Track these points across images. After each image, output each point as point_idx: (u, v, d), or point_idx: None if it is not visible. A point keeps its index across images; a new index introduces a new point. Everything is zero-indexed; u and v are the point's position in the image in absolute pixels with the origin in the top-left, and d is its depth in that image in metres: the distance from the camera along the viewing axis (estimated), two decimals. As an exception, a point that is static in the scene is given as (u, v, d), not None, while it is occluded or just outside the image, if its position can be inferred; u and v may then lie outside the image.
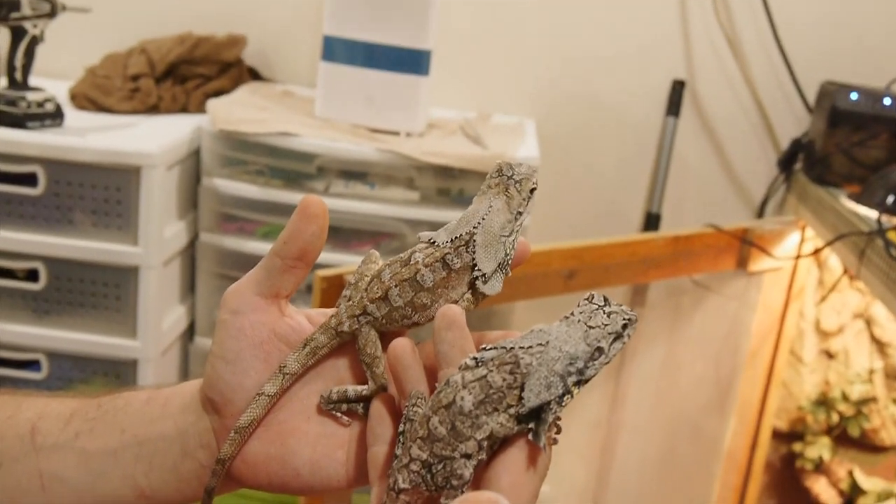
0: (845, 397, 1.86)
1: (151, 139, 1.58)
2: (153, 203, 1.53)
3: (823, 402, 1.90)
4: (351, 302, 0.57)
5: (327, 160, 1.62)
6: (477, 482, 0.49)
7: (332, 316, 0.57)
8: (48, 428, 0.59)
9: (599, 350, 0.49)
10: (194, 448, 0.58)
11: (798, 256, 1.78)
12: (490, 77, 1.97)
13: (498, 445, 0.49)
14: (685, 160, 1.97)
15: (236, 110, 1.66)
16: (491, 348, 0.50)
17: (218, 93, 1.82)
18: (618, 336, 0.50)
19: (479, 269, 0.55)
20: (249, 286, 0.56)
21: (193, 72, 1.83)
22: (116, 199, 1.53)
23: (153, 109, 1.77)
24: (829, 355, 1.93)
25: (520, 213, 0.56)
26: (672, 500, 2.02)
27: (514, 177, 0.57)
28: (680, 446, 1.97)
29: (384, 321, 0.56)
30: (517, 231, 0.57)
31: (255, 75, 1.95)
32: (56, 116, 1.58)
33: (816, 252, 1.75)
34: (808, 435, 1.92)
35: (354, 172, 1.64)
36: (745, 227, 1.73)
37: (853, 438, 1.89)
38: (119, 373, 1.61)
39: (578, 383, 0.49)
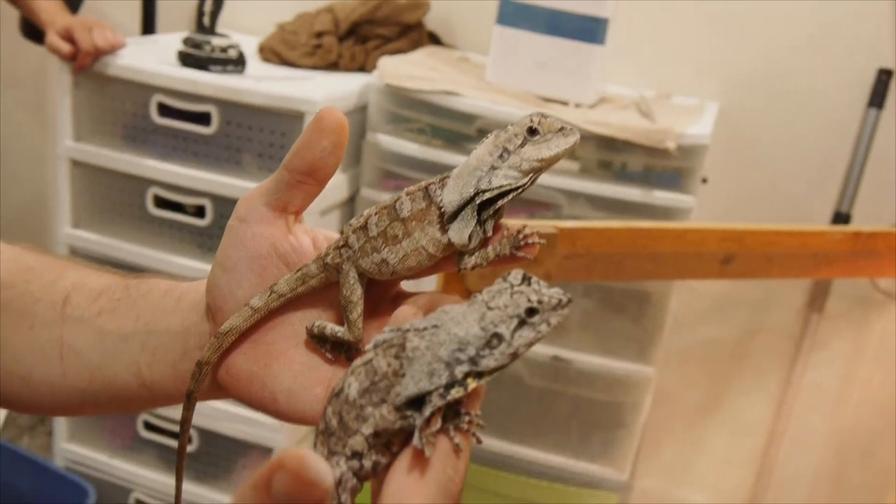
0: None
1: (320, 89, 1.62)
2: (315, 151, 1.57)
3: None
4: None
5: (488, 122, 1.60)
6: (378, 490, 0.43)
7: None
8: (79, 300, 0.60)
9: (497, 337, 0.40)
10: (192, 349, 0.57)
11: None
12: (674, 55, 1.88)
13: (399, 447, 0.42)
14: (886, 156, 1.80)
15: (405, 68, 1.68)
16: (392, 330, 0.43)
17: (396, 54, 1.85)
18: (522, 322, 0.40)
19: (441, 200, 0.50)
20: (260, 195, 0.54)
21: (374, 32, 1.86)
22: (281, 144, 1.58)
23: (333, 66, 1.82)
24: None
25: (506, 150, 0.50)
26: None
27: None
28: (848, 468, 1.80)
29: (359, 255, 0.53)
30: (505, 170, 0.50)
31: (434, 40, 1.96)
32: (238, 63, 1.65)
33: None
34: None
35: (515, 138, 1.61)
36: (942, 231, 1.56)
37: None
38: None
39: (473, 374, 0.40)
